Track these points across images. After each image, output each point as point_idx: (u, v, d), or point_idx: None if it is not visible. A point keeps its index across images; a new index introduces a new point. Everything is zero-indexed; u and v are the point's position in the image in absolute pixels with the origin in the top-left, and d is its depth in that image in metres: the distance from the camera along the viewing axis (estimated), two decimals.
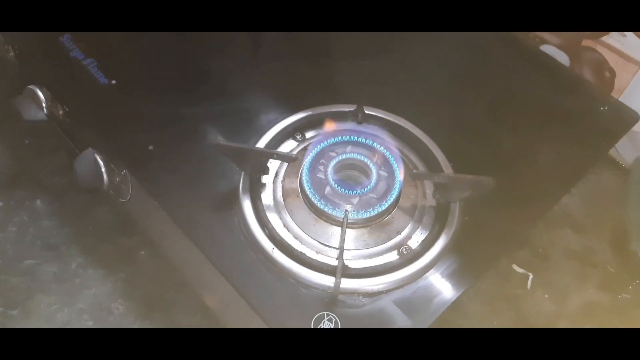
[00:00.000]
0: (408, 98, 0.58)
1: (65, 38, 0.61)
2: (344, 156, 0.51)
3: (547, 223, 0.62)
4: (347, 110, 0.56)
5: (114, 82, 0.58)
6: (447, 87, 0.60)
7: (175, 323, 0.55)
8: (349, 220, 0.48)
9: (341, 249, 0.46)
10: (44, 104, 0.59)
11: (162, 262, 0.58)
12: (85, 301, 0.56)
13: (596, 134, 0.58)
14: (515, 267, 0.60)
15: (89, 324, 0.55)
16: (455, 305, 0.47)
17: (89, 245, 0.59)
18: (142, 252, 0.59)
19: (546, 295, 0.58)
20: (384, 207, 0.49)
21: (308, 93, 0.57)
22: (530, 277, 0.59)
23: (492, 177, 0.46)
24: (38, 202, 0.62)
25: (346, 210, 0.48)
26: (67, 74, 0.59)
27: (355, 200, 0.49)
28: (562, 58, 0.66)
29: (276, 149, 0.54)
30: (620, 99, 0.62)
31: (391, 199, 0.49)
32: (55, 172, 0.63)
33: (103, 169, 0.54)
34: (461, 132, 0.56)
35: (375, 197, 0.49)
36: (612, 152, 0.67)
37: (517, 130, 0.57)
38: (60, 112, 0.59)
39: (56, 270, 0.57)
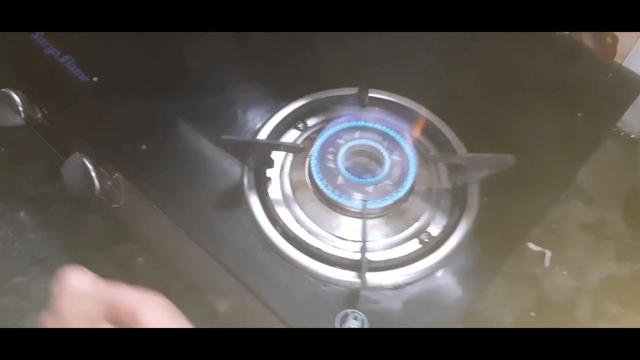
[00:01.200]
0: (411, 78, 0.55)
1: (37, 35, 0.56)
2: (353, 142, 0.48)
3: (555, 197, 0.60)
4: (349, 93, 0.53)
5: (95, 79, 0.53)
6: (448, 65, 0.57)
7: None
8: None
9: (363, 242, 0.43)
10: (20, 108, 0.55)
11: (161, 268, 0.55)
12: None
13: (603, 104, 0.56)
14: (530, 245, 0.58)
15: None
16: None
17: (82, 256, 0.55)
18: (140, 259, 0.55)
19: (564, 272, 0.57)
20: (401, 194, 0.46)
21: (305, 79, 0.54)
22: (548, 254, 0.57)
23: (512, 154, 0.44)
24: (21, 214, 0.57)
25: (364, 201, 0.45)
26: (43, 74, 0.54)
27: (370, 189, 0.46)
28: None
29: (278, 139, 0.51)
30: (623, 64, 0.60)
31: (407, 184, 0.46)
32: (37, 181, 0.59)
33: (93, 174, 0.50)
34: (467, 110, 0.54)
35: (390, 183, 0.46)
36: None
37: (523, 105, 0.55)
38: (39, 115, 0.55)
39: (48, 286, 0.53)
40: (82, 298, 0.32)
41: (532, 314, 0.54)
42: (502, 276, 0.56)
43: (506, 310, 0.54)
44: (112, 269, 0.54)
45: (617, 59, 0.61)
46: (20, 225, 0.57)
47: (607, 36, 0.61)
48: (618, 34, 0.61)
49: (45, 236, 0.56)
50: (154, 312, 0.33)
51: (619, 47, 0.61)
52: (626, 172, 0.61)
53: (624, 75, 0.58)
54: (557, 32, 0.62)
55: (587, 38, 0.63)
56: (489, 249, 0.46)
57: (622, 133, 0.65)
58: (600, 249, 0.58)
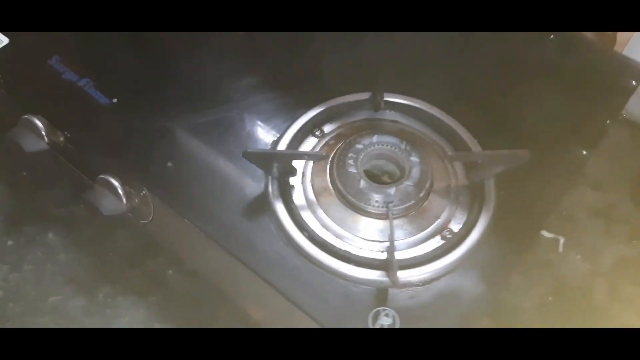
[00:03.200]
0: (420, 79, 0.57)
1: (54, 60, 0.57)
2: (372, 147, 0.50)
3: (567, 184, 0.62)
4: (364, 98, 0.55)
5: (115, 100, 0.55)
6: (455, 63, 0.59)
7: None
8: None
9: (391, 241, 0.45)
10: (43, 133, 0.56)
11: (192, 279, 0.56)
12: None
13: (607, 92, 0.58)
14: (544, 232, 0.60)
15: None
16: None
17: (113, 273, 0.57)
18: (170, 272, 0.57)
19: (578, 256, 0.59)
20: (422, 193, 0.48)
21: (319, 86, 0.56)
22: (561, 240, 0.59)
23: (526, 149, 0.46)
24: (50, 235, 0.59)
25: (388, 203, 0.47)
26: (63, 98, 0.56)
27: (392, 191, 0.48)
28: None
29: (298, 147, 0.53)
30: (624, 53, 0.62)
31: (427, 184, 0.48)
32: (62, 203, 0.61)
33: (121, 191, 0.52)
34: (477, 106, 0.56)
35: (411, 184, 0.48)
36: None
37: (530, 98, 0.57)
38: (61, 139, 0.56)
39: (84, 303, 0.55)
40: None
41: (550, 298, 0.56)
42: (519, 264, 0.58)
43: (526, 298, 0.56)
44: (145, 283, 0.56)
45: (617, 48, 0.63)
46: (50, 247, 0.58)
47: None
48: None
49: (76, 256, 0.58)
50: None
51: (618, 36, 0.63)
52: (632, 157, 0.63)
53: (625, 63, 0.60)
54: None
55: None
56: (509, 240, 0.48)
57: (624, 118, 0.67)
58: (611, 232, 0.60)
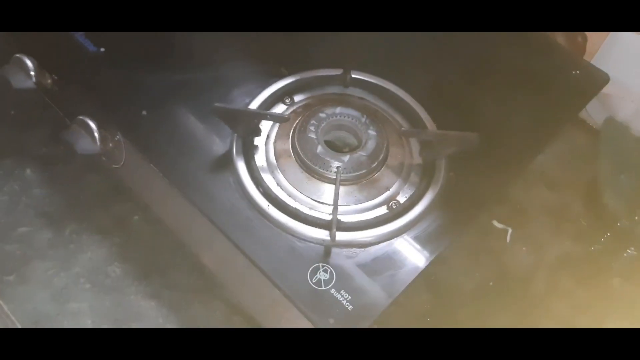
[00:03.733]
0: (392, 62, 0.60)
1: None
2: (334, 118, 0.53)
3: (524, 181, 0.65)
4: (334, 74, 0.58)
5: (102, 49, 0.58)
6: (430, 52, 0.62)
7: (171, 284, 0.56)
8: (341, 178, 0.50)
9: (335, 202, 0.48)
10: (32, 73, 0.59)
11: (156, 226, 0.59)
12: (82, 265, 0.57)
13: (569, 96, 0.61)
14: (495, 222, 0.63)
15: (87, 286, 0.56)
16: (439, 258, 0.50)
17: (82, 212, 0.60)
18: (136, 217, 0.60)
19: (524, 248, 0.62)
20: (374, 164, 0.51)
21: (295, 58, 0.59)
22: (510, 231, 0.62)
23: (476, 133, 0.49)
24: (28, 171, 0.62)
25: (338, 167, 0.50)
26: (54, 42, 0.59)
27: (346, 158, 0.51)
28: None
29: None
30: (592, 62, 0.65)
31: (381, 156, 0.51)
32: (43, 142, 0.64)
33: (96, 134, 0.55)
34: (443, 94, 0.59)
35: (365, 154, 0.51)
36: (582, 113, 0.70)
37: (494, 91, 0.60)
38: (49, 80, 0.60)
39: (50, 236, 0.58)
40: None
41: (491, 283, 0.59)
42: (466, 248, 0.61)
43: (468, 278, 0.59)
44: (110, 225, 0.59)
45: (586, 57, 0.66)
46: (27, 181, 0.61)
47: (578, 35, 0.66)
48: (588, 33, 0.66)
49: (49, 192, 0.61)
50: None
51: (588, 45, 0.66)
52: (588, 161, 0.66)
53: (591, 71, 0.63)
54: None
55: (559, 36, 0.67)
56: (451, 219, 0.51)
57: (586, 124, 0.70)
58: (560, 230, 0.63)
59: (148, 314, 0.55)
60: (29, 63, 0.59)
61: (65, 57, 0.58)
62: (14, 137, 0.64)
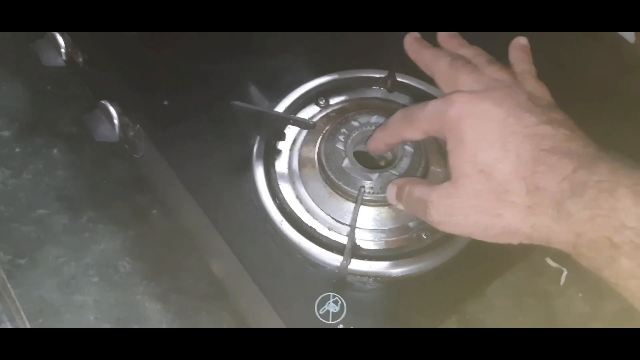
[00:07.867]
0: None
1: None
2: (367, 128, 0.47)
3: None
4: (378, 76, 0.52)
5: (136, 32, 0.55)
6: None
7: (181, 287, 0.53)
8: (364, 198, 0.44)
9: (352, 226, 0.42)
10: (62, 50, 0.57)
11: (173, 223, 0.56)
12: (93, 256, 0.54)
13: None
14: (549, 260, 0.55)
15: (95, 280, 0.53)
16: (478, 297, 0.44)
17: (102, 199, 0.57)
18: (154, 211, 0.57)
19: (580, 295, 0.53)
20: None
21: (336, 56, 0.53)
22: (565, 272, 0.54)
23: None
24: (55, 151, 0.60)
25: (362, 187, 0.44)
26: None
27: (374, 176, 0.45)
28: (627, 34, 0.59)
29: (296, 113, 0.50)
30: None
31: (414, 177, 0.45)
32: (74, 122, 0.62)
33: (116, 121, 0.52)
34: None
35: (397, 174, 0.45)
36: None
37: (577, 111, 0.52)
38: (80, 59, 0.57)
39: (67, 222, 0.56)
40: None
41: None
42: (511, 287, 0.53)
43: (508, 322, 0.51)
44: (127, 217, 0.56)
45: None
46: (52, 162, 0.59)
47: None
48: None
49: (72, 175, 0.59)
50: None
51: None
52: None
53: None
54: (621, 38, 0.57)
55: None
56: (496, 253, 0.44)
57: None
58: None
59: (152, 317, 0.52)
60: (61, 40, 0.57)
61: (98, 37, 0.55)
62: (47, 114, 0.62)
